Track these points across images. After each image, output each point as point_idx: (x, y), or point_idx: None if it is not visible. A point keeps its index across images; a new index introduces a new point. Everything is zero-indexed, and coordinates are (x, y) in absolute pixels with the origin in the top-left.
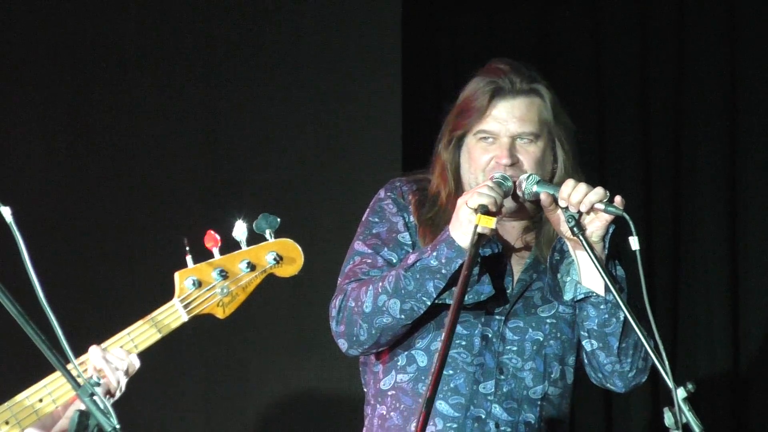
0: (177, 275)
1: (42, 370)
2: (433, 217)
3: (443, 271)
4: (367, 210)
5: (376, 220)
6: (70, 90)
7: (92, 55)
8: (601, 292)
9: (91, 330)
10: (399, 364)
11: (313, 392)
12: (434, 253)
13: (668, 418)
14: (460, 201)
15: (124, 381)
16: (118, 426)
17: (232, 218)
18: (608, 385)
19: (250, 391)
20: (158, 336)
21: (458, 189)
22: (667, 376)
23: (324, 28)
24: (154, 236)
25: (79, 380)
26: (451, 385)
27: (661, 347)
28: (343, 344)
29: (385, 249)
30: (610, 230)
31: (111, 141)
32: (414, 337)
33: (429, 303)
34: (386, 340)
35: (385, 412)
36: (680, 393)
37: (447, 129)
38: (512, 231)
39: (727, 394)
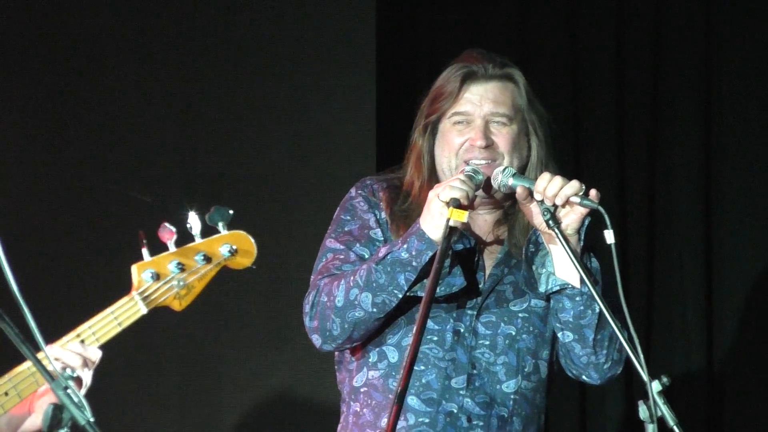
0: (134, 268)
1: (11, 362)
2: (407, 209)
3: (414, 263)
4: (338, 208)
5: (348, 217)
6: (46, 84)
7: (69, 49)
8: (577, 284)
9: (61, 321)
10: (370, 360)
11: (287, 388)
12: (405, 246)
13: (643, 412)
14: (431, 194)
15: (88, 374)
16: (92, 419)
17: (192, 209)
18: (584, 377)
19: (224, 386)
20: (119, 329)
21: (432, 177)
22: (642, 370)
23: (299, 22)
24: (131, 229)
25: (53, 373)
26: (423, 381)
27: (635, 340)
28: (316, 340)
29: (357, 245)
30: (586, 223)
31: (87, 134)
32: (385, 333)
33: (400, 296)
34: (359, 335)
35: (358, 409)
36: (655, 386)
37: (421, 116)
38: (484, 225)
39: (701, 387)
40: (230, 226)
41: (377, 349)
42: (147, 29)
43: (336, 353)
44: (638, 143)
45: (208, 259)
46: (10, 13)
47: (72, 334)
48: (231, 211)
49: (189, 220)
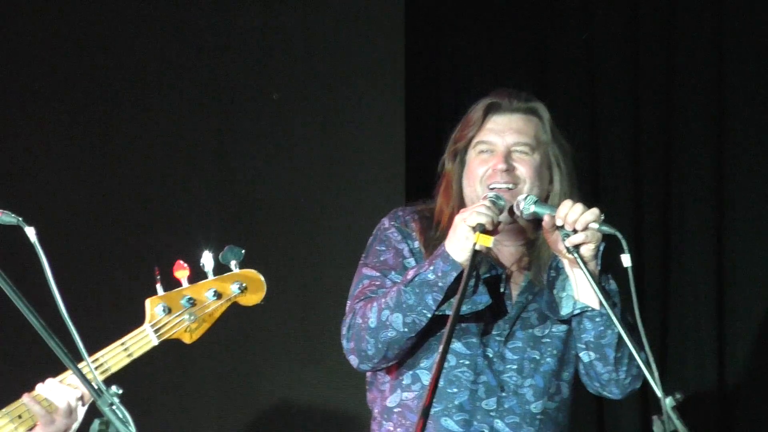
0: (148, 302)
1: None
2: (439, 238)
3: (440, 284)
4: (371, 238)
5: (383, 248)
6: (92, 109)
7: (114, 78)
8: (596, 306)
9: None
10: (404, 382)
11: (321, 403)
12: (431, 268)
13: (657, 427)
14: (457, 218)
15: (82, 410)
16: None
17: (207, 248)
18: (605, 393)
19: (261, 401)
20: (129, 359)
21: (461, 205)
22: (657, 386)
23: (330, 53)
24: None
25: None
26: (456, 402)
27: (651, 358)
28: (354, 360)
29: (393, 273)
30: (601, 248)
31: (129, 159)
32: (419, 357)
33: (429, 315)
34: (394, 354)
35: (392, 428)
36: (669, 402)
37: (450, 144)
38: (509, 257)
39: (714, 403)
40: (242, 265)
41: (411, 371)
42: (186, 58)
43: (368, 373)
44: (654, 171)
45: (218, 295)
46: (58, 44)
47: (83, 364)
48: (243, 251)
49: (202, 259)
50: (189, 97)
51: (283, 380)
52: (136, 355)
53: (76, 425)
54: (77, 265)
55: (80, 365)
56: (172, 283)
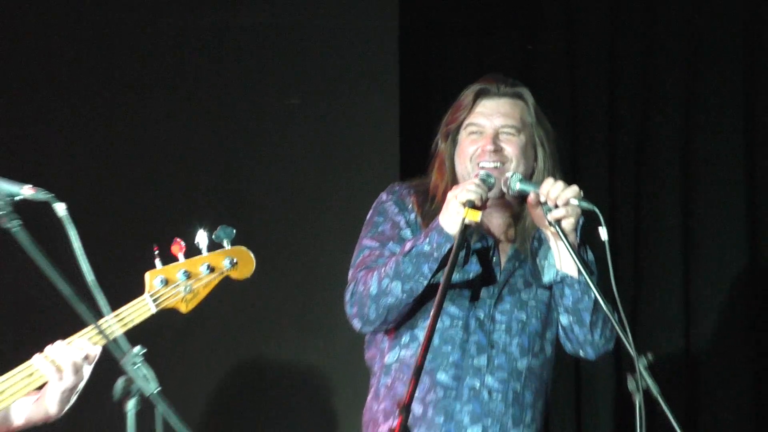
0: (147, 275)
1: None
2: (434, 210)
3: (435, 254)
4: (371, 211)
5: (381, 219)
6: (99, 105)
7: (119, 76)
8: (575, 274)
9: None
10: (403, 341)
11: (320, 366)
12: (426, 240)
13: (631, 383)
14: (449, 195)
15: (88, 369)
16: (157, 389)
17: (201, 227)
18: (581, 353)
19: (264, 365)
20: (131, 324)
21: (454, 181)
22: (630, 347)
23: (326, 57)
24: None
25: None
26: (450, 360)
27: (625, 322)
28: (357, 323)
29: (390, 243)
30: (580, 222)
31: (137, 154)
32: (416, 318)
33: (425, 283)
34: (393, 318)
35: (390, 383)
36: (641, 361)
37: (443, 125)
38: (498, 227)
39: (680, 368)
40: (235, 242)
41: (410, 331)
42: (185, 61)
43: (368, 333)
44: (626, 152)
45: (212, 269)
46: (69, 52)
47: (89, 328)
48: (234, 230)
49: (197, 237)
50: (190, 91)
51: (285, 348)
52: (136, 321)
53: (82, 383)
54: (88, 246)
55: (101, 324)
56: (170, 260)
